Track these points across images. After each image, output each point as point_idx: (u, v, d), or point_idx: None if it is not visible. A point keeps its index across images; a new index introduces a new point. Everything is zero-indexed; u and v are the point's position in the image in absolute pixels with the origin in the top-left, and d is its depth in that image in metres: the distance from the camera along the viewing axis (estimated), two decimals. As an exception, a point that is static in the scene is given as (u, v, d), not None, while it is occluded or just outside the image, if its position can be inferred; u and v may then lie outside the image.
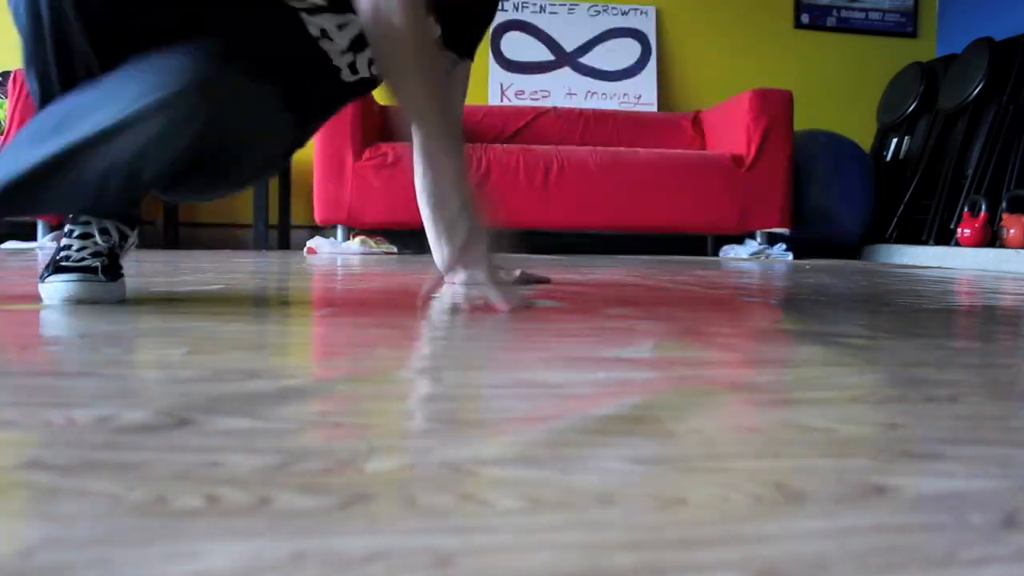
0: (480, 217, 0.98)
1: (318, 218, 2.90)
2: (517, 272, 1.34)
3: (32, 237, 2.81)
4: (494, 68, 3.59)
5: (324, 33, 1.03)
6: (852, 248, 3.29)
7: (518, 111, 3.40)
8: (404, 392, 0.50)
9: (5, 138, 2.75)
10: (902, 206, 3.27)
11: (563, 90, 3.63)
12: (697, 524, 0.28)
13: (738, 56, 3.78)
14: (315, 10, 1.01)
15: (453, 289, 1.12)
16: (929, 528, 0.28)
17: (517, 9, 3.65)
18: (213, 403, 0.45)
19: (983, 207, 2.81)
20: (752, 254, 2.97)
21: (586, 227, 3.06)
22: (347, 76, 1.09)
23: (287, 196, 3.39)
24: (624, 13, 3.69)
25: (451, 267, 1.02)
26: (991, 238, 2.78)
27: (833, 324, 0.90)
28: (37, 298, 0.93)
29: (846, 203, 3.13)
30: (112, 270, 0.95)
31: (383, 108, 3.24)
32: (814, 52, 3.84)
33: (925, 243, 3.07)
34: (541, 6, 3.67)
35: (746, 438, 0.40)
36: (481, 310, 0.92)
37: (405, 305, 1.00)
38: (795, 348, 0.71)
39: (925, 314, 1.03)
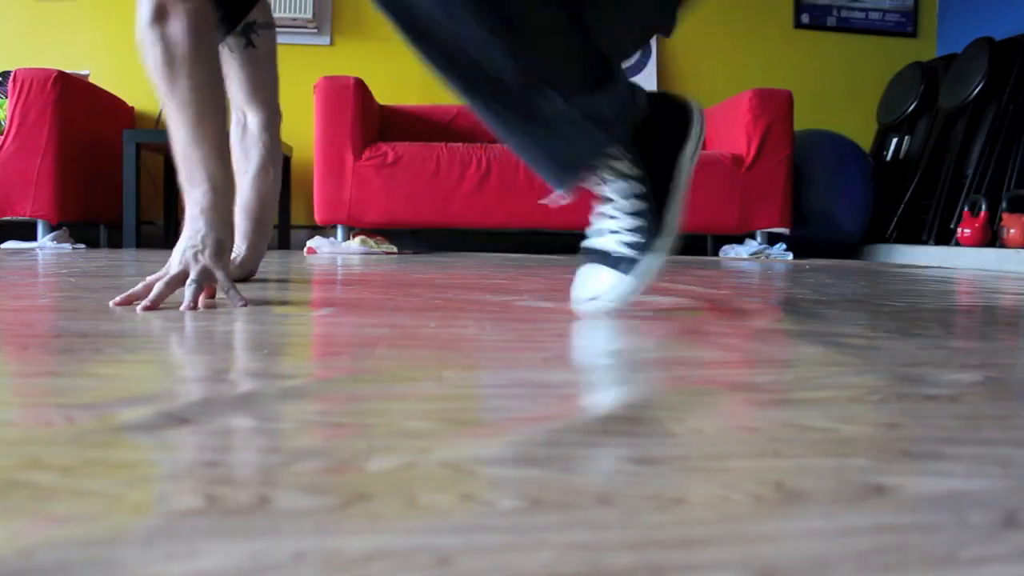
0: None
1: (318, 218, 2.90)
2: None
3: (32, 237, 2.81)
4: (494, 68, 3.59)
5: None
6: (852, 248, 3.29)
7: (518, 111, 3.40)
8: (404, 392, 0.50)
9: (5, 138, 2.73)
10: (902, 206, 3.27)
11: (563, 90, 3.63)
12: (697, 524, 0.28)
13: (738, 56, 3.78)
14: None
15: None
16: (929, 528, 0.28)
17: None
18: (213, 403, 0.45)
19: (983, 207, 2.81)
20: (752, 254, 2.97)
21: (586, 227, 3.06)
22: None
23: (287, 196, 3.39)
24: (624, 13, 3.68)
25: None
26: (991, 238, 2.78)
27: (833, 324, 0.90)
28: (40, 297, 0.93)
29: (846, 203, 3.13)
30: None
31: (383, 108, 3.24)
32: (814, 52, 3.84)
33: (925, 243, 3.07)
34: (542, 6, 3.66)
35: (746, 438, 0.40)
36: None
37: (405, 305, 1.00)
38: (795, 348, 0.71)
39: (925, 314, 1.03)
